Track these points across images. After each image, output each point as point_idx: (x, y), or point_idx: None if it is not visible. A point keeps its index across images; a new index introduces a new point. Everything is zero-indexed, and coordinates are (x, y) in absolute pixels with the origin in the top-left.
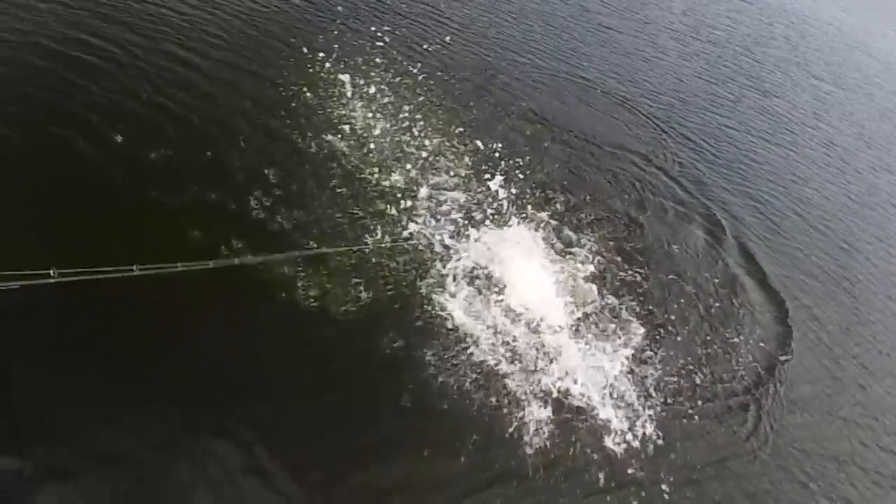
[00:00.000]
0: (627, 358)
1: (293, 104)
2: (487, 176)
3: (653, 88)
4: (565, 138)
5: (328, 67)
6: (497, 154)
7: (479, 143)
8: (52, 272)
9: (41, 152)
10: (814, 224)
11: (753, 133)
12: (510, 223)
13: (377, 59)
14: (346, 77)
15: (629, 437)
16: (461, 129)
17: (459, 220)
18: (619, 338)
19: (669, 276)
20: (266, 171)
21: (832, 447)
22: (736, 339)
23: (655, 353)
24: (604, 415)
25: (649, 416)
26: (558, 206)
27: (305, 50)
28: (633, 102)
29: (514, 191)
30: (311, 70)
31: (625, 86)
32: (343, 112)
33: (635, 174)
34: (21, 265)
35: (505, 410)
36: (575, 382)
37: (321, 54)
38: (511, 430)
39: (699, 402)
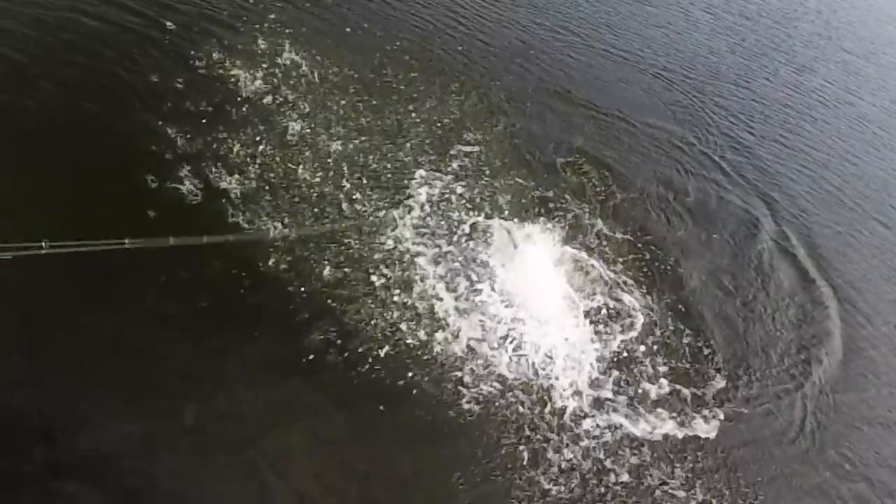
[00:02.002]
0: (663, 342)
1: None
2: (511, 155)
3: (687, 62)
4: (598, 113)
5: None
6: (525, 131)
7: (506, 117)
8: (43, 244)
9: (74, 127)
10: (848, 199)
11: (788, 108)
12: (536, 210)
13: (409, 36)
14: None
15: (668, 421)
16: (489, 102)
17: (475, 200)
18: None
19: (709, 263)
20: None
21: (870, 414)
22: (778, 320)
23: (696, 341)
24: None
25: (692, 395)
26: (589, 186)
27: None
28: (667, 76)
29: (539, 173)
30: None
31: (659, 59)
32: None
33: (671, 151)
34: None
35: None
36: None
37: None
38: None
39: (745, 387)
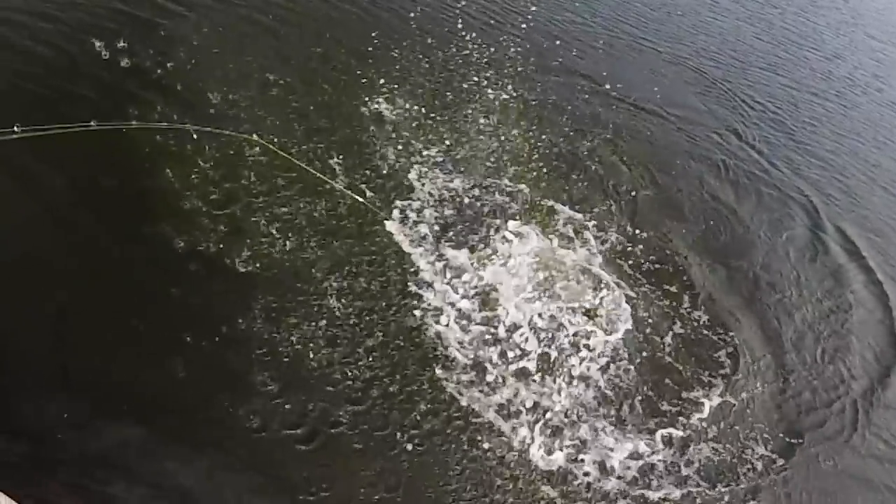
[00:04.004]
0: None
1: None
2: (536, 145)
3: (714, 51)
4: (628, 103)
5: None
6: (550, 120)
7: (531, 106)
8: (15, 128)
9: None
10: (883, 185)
11: (817, 95)
12: (560, 203)
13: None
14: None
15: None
16: (514, 92)
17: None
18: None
19: (753, 264)
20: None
21: None
22: (827, 321)
23: (742, 354)
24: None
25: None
26: (619, 178)
27: None
28: (694, 64)
29: (566, 164)
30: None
31: (686, 47)
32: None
33: (704, 141)
34: None
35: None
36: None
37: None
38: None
39: (798, 399)
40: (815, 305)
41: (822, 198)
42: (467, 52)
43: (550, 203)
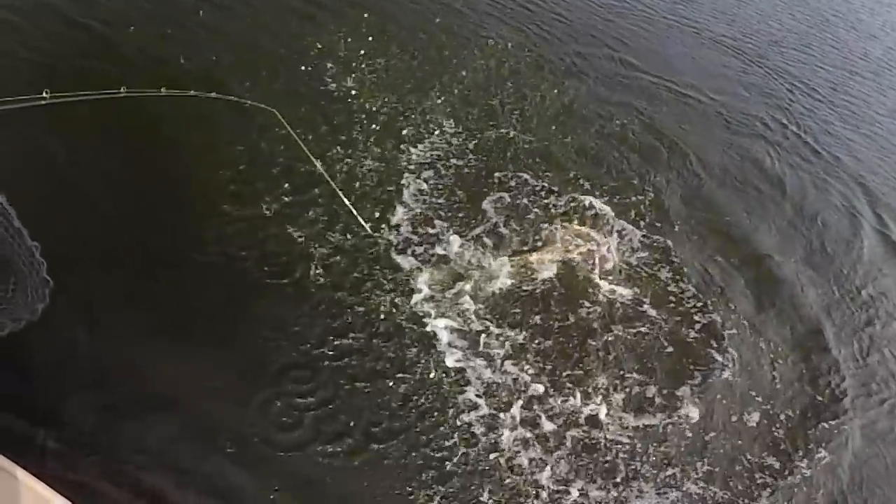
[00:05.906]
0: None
1: None
2: (571, 125)
3: (751, 30)
4: (668, 84)
5: None
6: (593, 98)
7: (570, 83)
8: (45, 93)
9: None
10: None
11: (855, 75)
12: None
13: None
14: None
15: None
16: (554, 69)
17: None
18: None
19: (810, 258)
20: None
21: None
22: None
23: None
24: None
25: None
26: (660, 163)
27: None
28: (730, 43)
29: (607, 147)
30: None
31: (720, 26)
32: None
33: (745, 122)
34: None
35: None
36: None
37: None
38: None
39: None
40: (875, 304)
41: (878, 180)
42: (500, 29)
43: (583, 189)
